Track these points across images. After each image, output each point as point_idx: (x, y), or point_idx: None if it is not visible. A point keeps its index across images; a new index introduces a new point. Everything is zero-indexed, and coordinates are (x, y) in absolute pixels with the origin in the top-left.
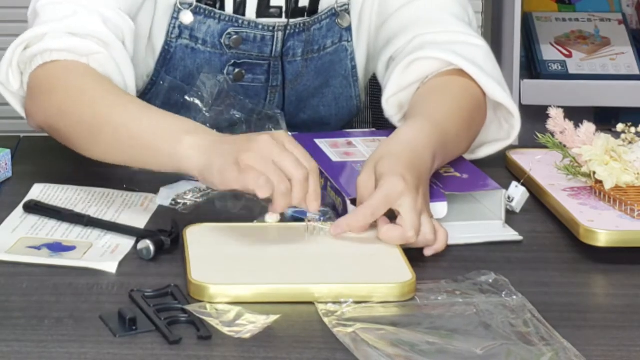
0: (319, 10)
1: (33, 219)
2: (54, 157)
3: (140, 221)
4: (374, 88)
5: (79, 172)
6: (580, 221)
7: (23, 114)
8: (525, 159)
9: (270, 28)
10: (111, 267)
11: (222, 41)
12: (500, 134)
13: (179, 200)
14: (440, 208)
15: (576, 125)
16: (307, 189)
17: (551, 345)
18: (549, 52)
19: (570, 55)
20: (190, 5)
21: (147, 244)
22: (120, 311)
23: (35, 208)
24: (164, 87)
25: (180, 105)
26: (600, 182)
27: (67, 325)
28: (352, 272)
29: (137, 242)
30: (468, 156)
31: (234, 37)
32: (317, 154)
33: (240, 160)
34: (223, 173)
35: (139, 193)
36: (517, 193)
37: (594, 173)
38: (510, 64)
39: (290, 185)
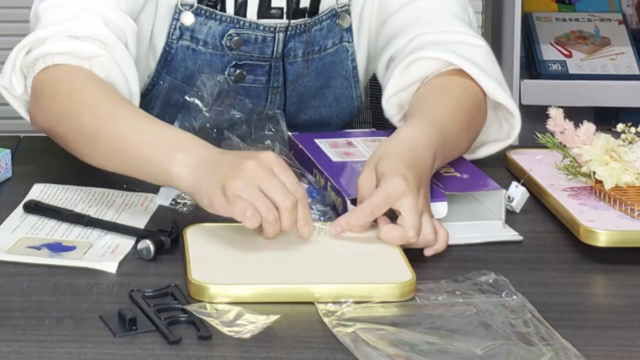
0: (320, 11)
1: (33, 219)
2: (54, 157)
3: (140, 221)
4: (374, 88)
5: (79, 172)
6: (580, 221)
7: (28, 118)
8: (525, 159)
9: (271, 29)
10: (111, 267)
11: (223, 42)
12: (501, 134)
13: (179, 200)
14: (440, 208)
15: (576, 125)
16: (296, 216)
17: (551, 345)
18: (549, 52)
19: (570, 55)
20: (191, 6)
21: (147, 244)
22: (120, 311)
23: (35, 208)
24: (164, 88)
25: (180, 105)
26: (600, 182)
27: (67, 325)
28: (352, 272)
29: (137, 242)
30: (468, 156)
31: (235, 38)
32: (317, 154)
33: (227, 188)
34: (211, 200)
35: (139, 193)
36: (517, 193)
37: (594, 173)
38: (510, 64)
39: (278, 214)
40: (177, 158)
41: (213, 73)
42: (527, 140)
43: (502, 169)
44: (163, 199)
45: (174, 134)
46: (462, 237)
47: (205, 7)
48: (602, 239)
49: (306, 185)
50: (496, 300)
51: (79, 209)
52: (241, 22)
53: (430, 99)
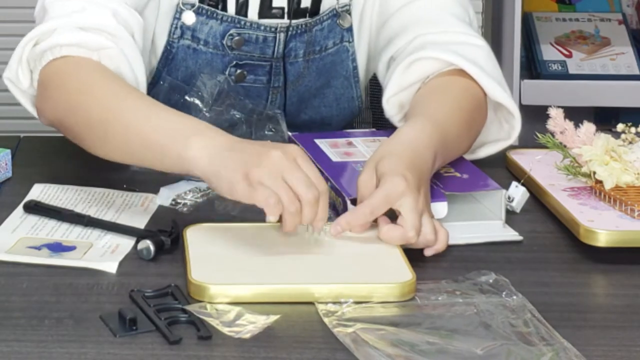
0: (321, 11)
1: (33, 219)
2: (54, 157)
3: (140, 221)
4: (374, 88)
5: (79, 172)
6: (580, 221)
7: (33, 112)
8: (525, 159)
9: (272, 29)
10: (111, 267)
11: (224, 42)
12: (501, 134)
13: (179, 200)
14: (440, 208)
15: (576, 125)
16: (317, 210)
17: (551, 345)
18: (549, 52)
19: (570, 55)
20: (193, 5)
21: (147, 244)
22: (120, 311)
23: (35, 208)
24: (164, 87)
25: (180, 105)
26: (600, 182)
27: (67, 325)
28: (352, 272)
29: (137, 242)
30: (468, 156)
31: (236, 38)
32: (317, 154)
33: (251, 175)
34: (232, 186)
35: (139, 193)
36: (517, 193)
37: (594, 173)
38: (510, 64)
39: (300, 206)
40: (194, 142)
41: (214, 73)
42: (527, 140)
43: (502, 169)
44: (163, 199)
45: (188, 120)
46: (462, 237)
47: (206, 7)
48: (602, 239)
49: None
50: (496, 300)
51: (79, 209)
52: (242, 22)
53: (431, 99)
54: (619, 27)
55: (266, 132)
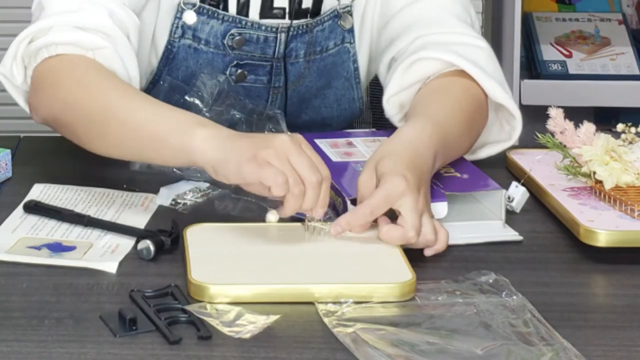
0: (322, 12)
1: (33, 219)
2: (54, 157)
3: (140, 221)
4: (375, 88)
5: (79, 172)
6: (580, 221)
7: (26, 108)
8: (525, 159)
9: (273, 29)
10: (111, 267)
11: (225, 42)
12: (502, 135)
13: (179, 200)
14: (440, 208)
15: (576, 125)
16: (319, 194)
17: (551, 345)
18: (549, 52)
19: (570, 55)
20: (194, 5)
21: (147, 244)
22: (120, 311)
23: (35, 208)
24: (164, 87)
25: (180, 105)
26: (600, 182)
27: (67, 325)
28: (352, 272)
29: (137, 242)
30: (469, 157)
31: (237, 37)
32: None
33: (259, 155)
34: (241, 166)
35: (139, 193)
36: (517, 193)
37: (594, 173)
38: (510, 64)
39: (304, 189)
40: (198, 132)
41: (214, 72)
42: (527, 141)
43: (502, 169)
44: (163, 199)
45: (188, 113)
46: (462, 237)
47: (207, 7)
48: (602, 239)
49: None
50: (496, 301)
51: (79, 209)
52: (243, 22)
53: (432, 99)
54: (619, 27)
55: (266, 132)
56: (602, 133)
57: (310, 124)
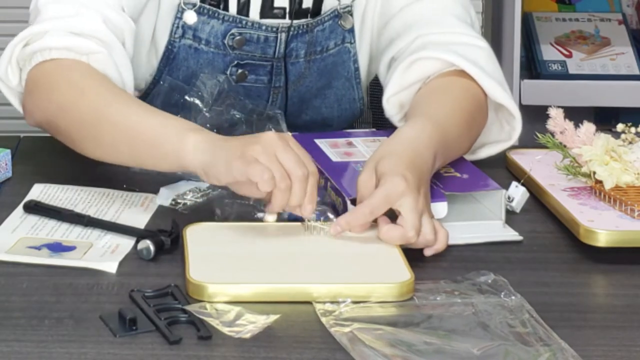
0: (322, 12)
1: (33, 219)
2: (54, 157)
3: (140, 221)
4: (375, 88)
5: (79, 172)
6: (580, 221)
7: (21, 110)
8: (525, 159)
9: (274, 29)
10: (111, 267)
11: (226, 42)
12: (501, 135)
13: (179, 200)
14: (440, 208)
15: (576, 125)
16: (306, 188)
17: (549, 345)
18: (549, 52)
19: (570, 55)
20: (194, 5)
21: (147, 244)
22: (120, 311)
23: (35, 208)
24: (164, 87)
25: (180, 105)
26: (600, 182)
27: (67, 325)
28: (351, 271)
29: (137, 242)
30: (469, 157)
31: (237, 37)
32: (317, 154)
33: (247, 152)
34: (229, 165)
35: (139, 193)
36: (517, 193)
37: (594, 173)
38: (510, 64)
39: (290, 184)
40: (189, 137)
41: (215, 72)
42: (527, 141)
43: (502, 169)
44: (163, 199)
45: (179, 120)
46: (462, 237)
47: (208, 6)
48: (602, 239)
49: None
50: (495, 301)
51: (79, 209)
52: (244, 22)
53: (431, 99)
54: (619, 27)
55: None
56: (602, 133)
57: (311, 124)
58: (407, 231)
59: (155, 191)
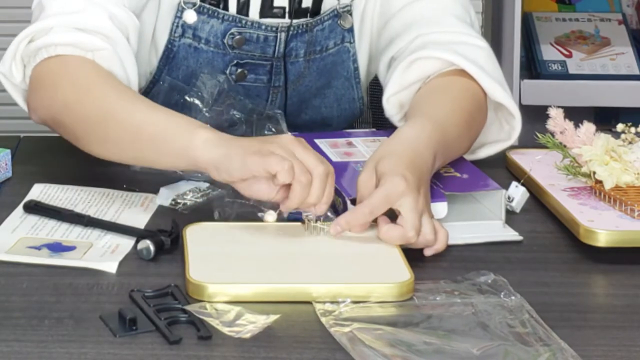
0: (322, 11)
1: (33, 219)
2: (54, 157)
3: (140, 221)
4: (374, 88)
5: (79, 172)
6: (580, 221)
7: (25, 107)
8: (525, 159)
9: (273, 29)
10: (111, 267)
11: (225, 41)
12: (501, 134)
13: (179, 200)
14: (440, 208)
15: (576, 125)
16: (325, 186)
17: (548, 345)
18: (549, 52)
19: (570, 55)
20: (194, 4)
21: (147, 244)
22: (120, 311)
23: (35, 208)
24: (164, 87)
25: (180, 105)
26: (600, 182)
27: (67, 325)
28: (351, 271)
29: (137, 242)
30: (468, 156)
31: (237, 37)
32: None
33: (263, 149)
34: (245, 158)
35: (139, 193)
36: (517, 193)
37: (594, 173)
38: (510, 64)
39: (311, 179)
40: (200, 133)
41: (214, 71)
42: (527, 141)
43: (502, 169)
44: (163, 199)
45: (187, 117)
46: (462, 237)
47: (207, 6)
48: (602, 239)
49: None
50: (494, 301)
51: (79, 209)
52: (243, 21)
53: (431, 98)
54: (619, 27)
55: (266, 132)
56: (602, 133)
57: (310, 124)
58: (407, 231)
59: (155, 191)
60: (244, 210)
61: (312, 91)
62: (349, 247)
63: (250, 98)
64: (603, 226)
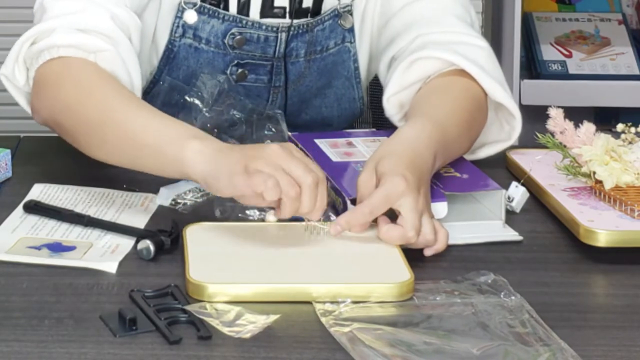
0: (322, 11)
1: (33, 219)
2: (54, 157)
3: (140, 221)
4: (375, 88)
5: (79, 172)
6: (580, 221)
7: (28, 110)
8: (525, 159)
9: (274, 29)
10: (111, 267)
11: (226, 41)
12: (501, 135)
13: (179, 200)
14: (440, 208)
15: (576, 125)
16: (316, 196)
17: (548, 345)
18: (549, 52)
19: (570, 55)
20: (195, 4)
21: (147, 244)
22: (120, 311)
23: (35, 208)
24: (164, 87)
25: (180, 105)
26: (600, 182)
27: (67, 325)
28: (351, 271)
29: (137, 242)
30: (468, 157)
31: (238, 37)
32: (317, 154)
33: (250, 166)
34: (232, 178)
35: (139, 193)
36: (517, 193)
37: (594, 173)
38: (510, 64)
39: (300, 191)
40: (191, 145)
41: (215, 72)
42: (527, 141)
43: (502, 169)
44: (163, 199)
45: (184, 125)
46: (462, 237)
47: (208, 6)
48: (602, 239)
49: None
50: (494, 301)
51: (79, 209)
52: (244, 22)
53: (432, 98)
54: (619, 27)
55: (266, 132)
56: (602, 133)
57: (311, 124)
58: (407, 231)
59: (155, 191)
60: (245, 209)
61: (312, 91)
62: (349, 247)
63: (250, 98)
64: (603, 226)
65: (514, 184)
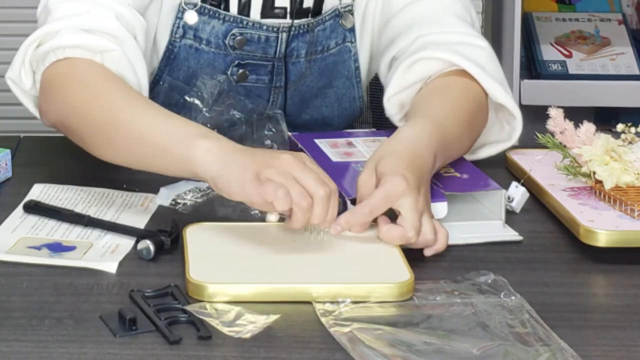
0: (323, 11)
1: (33, 219)
2: (54, 157)
3: (140, 221)
4: (375, 88)
5: (79, 172)
6: (580, 221)
7: (35, 113)
8: (525, 159)
9: (275, 29)
10: (111, 267)
11: (226, 42)
12: (502, 135)
13: (179, 200)
14: (440, 208)
15: (576, 125)
16: (328, 208)
17: (548, 345)
18: (549, 52)
19: (570, 55)
20: (195, 5)
21: (147, 244)
22: (120, 311)
23: (35, 208)
24: (164, 87)
25: (180, 105)
26: (600, 182)
27: (67, 325)
28: (351, 271)
29: (137, 242)
30: (469, 157)
31: (238, 37)
32: (317, 154)
33: (261, 174)
34: (243, 185)
35: (139, 193)
36: (517, 193)
37: (594, 173)
38: (510, 64)
39: (312, 202)
40: (200, 144)
41: (215, 72)
42: (527, 141)
43: (502, 169)
44: (163, 199)
45: (193, 124)
46: (462, 237)
47: (208, 6)
48: (602, 239)
49: None
50: (494, 301)
51: (79, 209)
52: (244, 22)
53: (432, 99)
54: (619, 27)
55: (266, 132)
56: (602, 133)
57: (311, 124)
58: (407, 231)
59: (155, 191)
60: (247, 207)
61: (313, 91)
62: (349, 247)
63: (251, 98)
64: (603, 226)
65: (514, 184)
